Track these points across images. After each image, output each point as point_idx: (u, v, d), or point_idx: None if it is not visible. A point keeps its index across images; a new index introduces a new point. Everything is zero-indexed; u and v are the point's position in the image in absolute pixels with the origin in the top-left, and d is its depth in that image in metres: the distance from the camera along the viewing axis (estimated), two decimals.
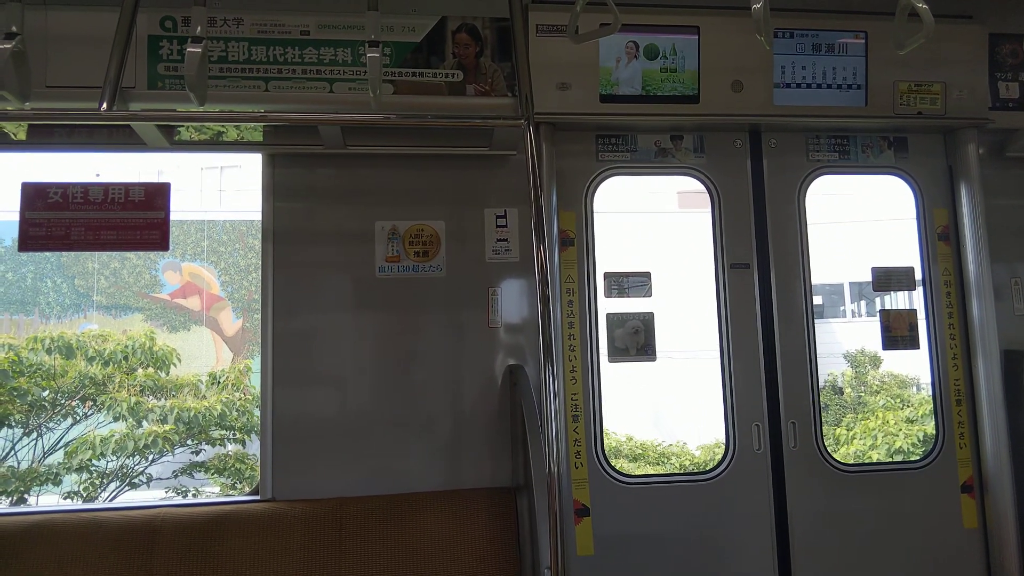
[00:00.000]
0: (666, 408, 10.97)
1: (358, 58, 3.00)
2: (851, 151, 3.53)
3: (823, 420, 3.39)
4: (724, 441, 3.34)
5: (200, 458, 7.29)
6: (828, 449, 3.34)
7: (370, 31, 2.53)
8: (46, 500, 6.99)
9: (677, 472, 8.02)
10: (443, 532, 2.89)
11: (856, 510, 3.30)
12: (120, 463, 7.01)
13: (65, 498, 6.86)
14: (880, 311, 3.55)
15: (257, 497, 3.01)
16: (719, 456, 3.35)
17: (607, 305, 3.34)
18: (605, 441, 3.27)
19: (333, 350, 3.11)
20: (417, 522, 2.89)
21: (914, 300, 3.64)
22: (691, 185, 3.52)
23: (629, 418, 9.37)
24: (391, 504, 2.93)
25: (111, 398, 6.99)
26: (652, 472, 8.15)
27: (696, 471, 7.25)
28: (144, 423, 7.00)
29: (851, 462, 7.14)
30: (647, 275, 3.38)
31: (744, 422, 3.30)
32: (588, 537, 3.13)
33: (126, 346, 7.27)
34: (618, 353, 3.31)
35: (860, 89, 3.33)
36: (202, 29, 2.46)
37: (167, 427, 6.89)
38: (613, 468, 3.20)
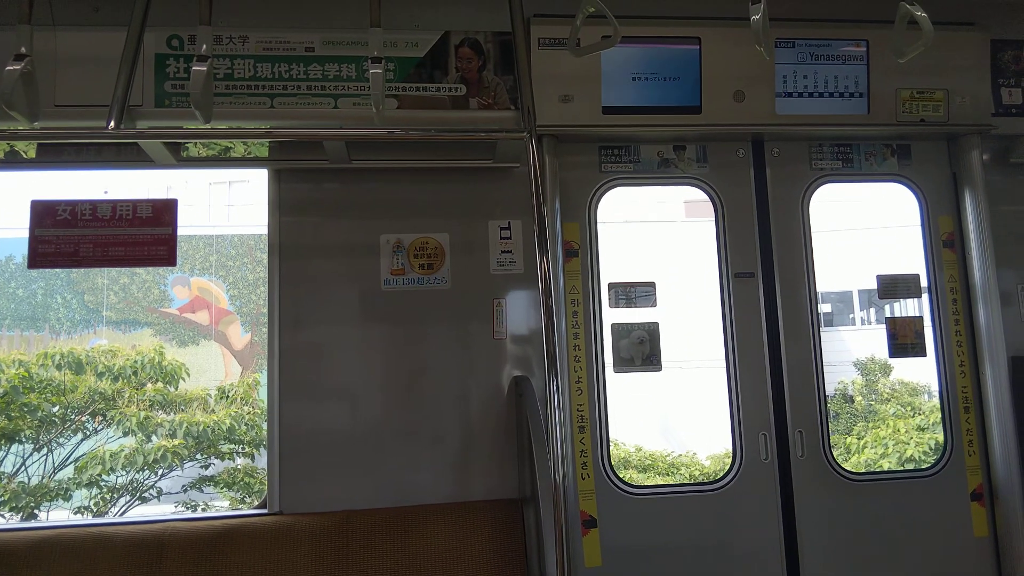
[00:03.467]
0: (674, 418, 10.93)
1: (362, 74, 3.03)
2: (854, 159, 3.53)
3: (833, 429, 3.37)
4: (731, 451, 3.33)
5: (209, 472, 7.30)
6: (837, 458, 3.33)
7: (373, 47, 2.55)
8: (56, 515, 7.01)
9: (685, 482, 7.98)
10: (450, 544, 2.88)
11: (865, 518, 3.28)
12: (130, 478, 7.04)
13: (75, 513, 6.88)
14: (887, 318, 3.55)
15: (264, 511, 3.01)
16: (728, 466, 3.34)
17: (612, 315, 3.33)
18: (613, 452, 3.26)
19: (339, 363, 3.12)
20: (424, 534, 2.89)
21: (921, 307, 3.63)
22: (698, 194, 3.53)
23: (637, 429, 9.33)
24: (398, 516, 2.93)
25: (120, 413, 7.02)
26: (659, 482, 8.10)
27: (703, 481, 7.21)
28: (153, 438, 7.03)
29: (860, 471, 7.11)
30: (652, 285, 3.38)
31: (751, 431, 3.29)
32: (596, 548, 3.12)
33: (135, 361, 7.30)
34: (623, 363, 3.31)
35: (862, 97, 3.34)
36: (207, 47, 2.49)
37: (176, 441, 6.90)
38: (620, 479, 3.20)
